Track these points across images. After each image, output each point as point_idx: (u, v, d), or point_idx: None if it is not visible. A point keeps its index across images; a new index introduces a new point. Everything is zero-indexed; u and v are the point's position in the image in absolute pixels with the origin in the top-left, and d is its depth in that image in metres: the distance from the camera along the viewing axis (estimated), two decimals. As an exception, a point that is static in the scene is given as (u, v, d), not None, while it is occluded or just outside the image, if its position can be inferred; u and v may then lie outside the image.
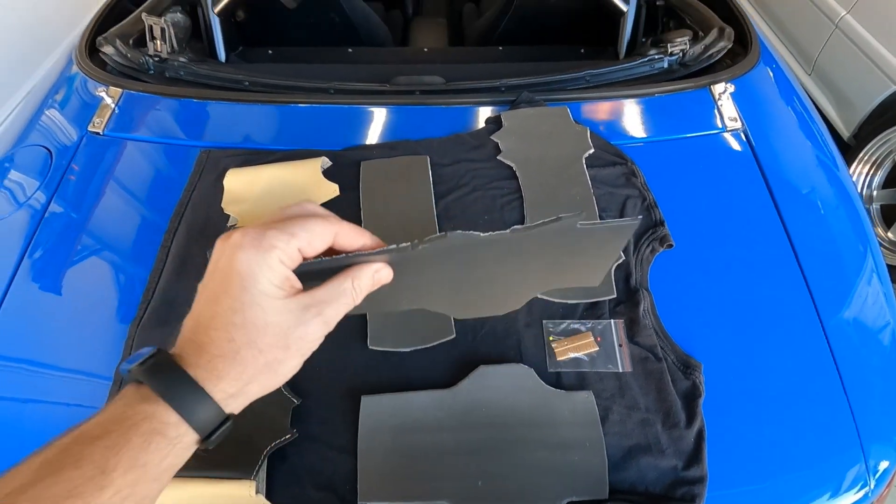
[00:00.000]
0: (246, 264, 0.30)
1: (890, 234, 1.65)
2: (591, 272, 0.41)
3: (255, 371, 0.31)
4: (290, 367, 0.32)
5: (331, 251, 0.34)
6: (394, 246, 0.33)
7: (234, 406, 0.32)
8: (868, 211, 1.71)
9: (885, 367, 0.67)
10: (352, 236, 0.34)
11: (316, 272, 0.33)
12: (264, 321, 0.30)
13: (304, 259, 0.33)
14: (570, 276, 0.41)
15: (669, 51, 0.97)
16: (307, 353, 0.33)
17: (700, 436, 0.56)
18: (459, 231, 0.32)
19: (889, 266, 1.58)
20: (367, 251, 0.34)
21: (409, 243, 0.33)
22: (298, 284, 0.32)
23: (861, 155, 1.70)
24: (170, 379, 0.30)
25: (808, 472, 0.58)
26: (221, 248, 0.31)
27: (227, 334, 0.30)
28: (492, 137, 0.82)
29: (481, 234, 0.32)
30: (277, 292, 0.31)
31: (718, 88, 0.91)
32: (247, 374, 0.31)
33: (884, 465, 0.61)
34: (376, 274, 0.34)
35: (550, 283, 0.42)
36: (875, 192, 1.71)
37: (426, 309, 0.41)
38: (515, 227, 0.33)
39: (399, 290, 0.37)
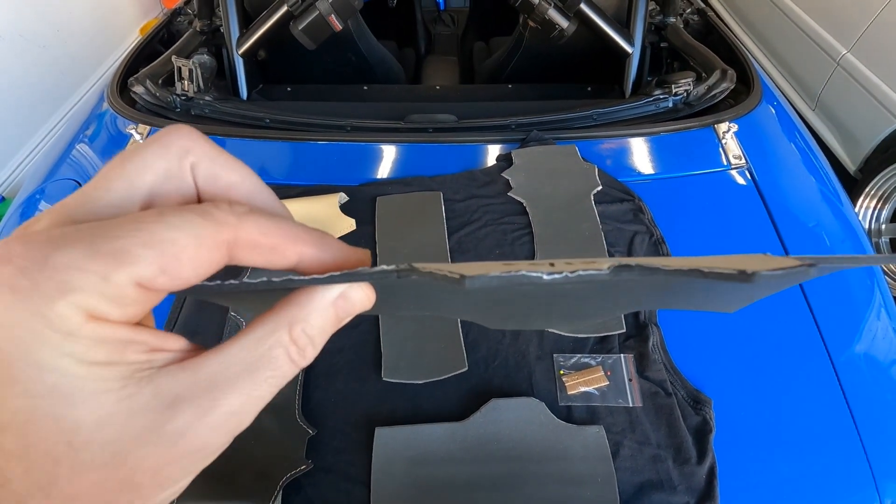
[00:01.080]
0: (7, 334, 0.13)
1: (900, 268, 1.65)
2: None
3: None
4: None
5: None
6: (363, 270, 0.16)
7: None
8: (877, 245, 1.72)
9: (898, 402, 0.67)
10: (269, 249, 0.17)
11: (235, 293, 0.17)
12: (68, 445, 0.14)
13: (172, 291, 0.16)
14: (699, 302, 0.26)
15: (674, 91, 1.00)
16: (180, 485, 0.16)
17: (712, 472, 0.56)
18: (522, 272, 0.16)
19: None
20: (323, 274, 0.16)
21: (394, 267, 0.16)
22: (170, 344, 0.16)
23: (868, 189, 1.72)
24: None
25: (821, 512, 0.58)
26: None
27: None
28: (502, 174, 0.85)
29: (544, 277, 0.16)
30: (97, 380, 0.14)
31: (722, 127, 0.93)
32: None
33: (900, 506, 0.60)
34: (340, 301, 0.17)
35: (662, 303, 0.26)
36: (883, 226, 1.71)
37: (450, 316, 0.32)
38: (623, 264, 0.16)
39: (396, 307, 0.25)
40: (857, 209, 1.73)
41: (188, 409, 0.15)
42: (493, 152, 0.92)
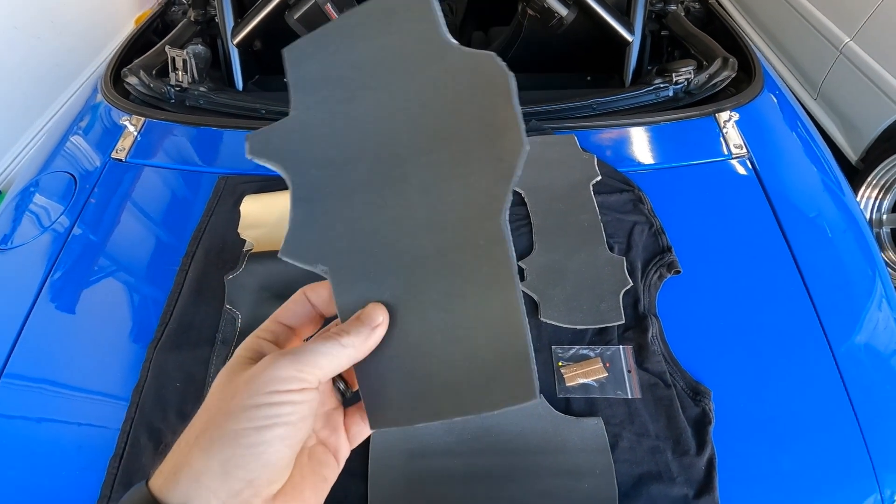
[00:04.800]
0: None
1: (901, 258, 1.65)
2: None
3: (196, 433, 0.25)
4: (244, 420, 0.24)
5: (316, 314, 0.32)
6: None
7: (165, 483, 0.24)
8: (878, 235, 1.71)
9: (898, 392, 0.66)
10: (321, 289, 0.31)
11: None
12: (214, 385, 0.27)
13: (287, 326, 0.31)
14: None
15: (674, 80, 0.99)
16: (267, 400, 0.25)
17: (711, 464, 0.55)
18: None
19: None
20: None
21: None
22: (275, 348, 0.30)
23: (869, 179, 1.70)
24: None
25: (820, 503, 0.58)
26: None
27: (192, 426, 0.26)
28: (501, 164, 0.84)
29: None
30: (245, 361, 0.28)
31: (723, 116, 0.92)
32: (185, 443, 0.25)
33: (900, 496, 0.60)
34: (361, 313, 0.29)
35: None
36: (885, 216, 1.70)
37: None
38: None
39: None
40: (858, 199, 1.72)
41: (274, 354, 0.27)
42: (491, 143, 0.91)
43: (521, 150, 0.27)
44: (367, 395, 0.29)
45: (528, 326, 0.28)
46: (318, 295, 0.31)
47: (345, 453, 0.31)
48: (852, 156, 1.84)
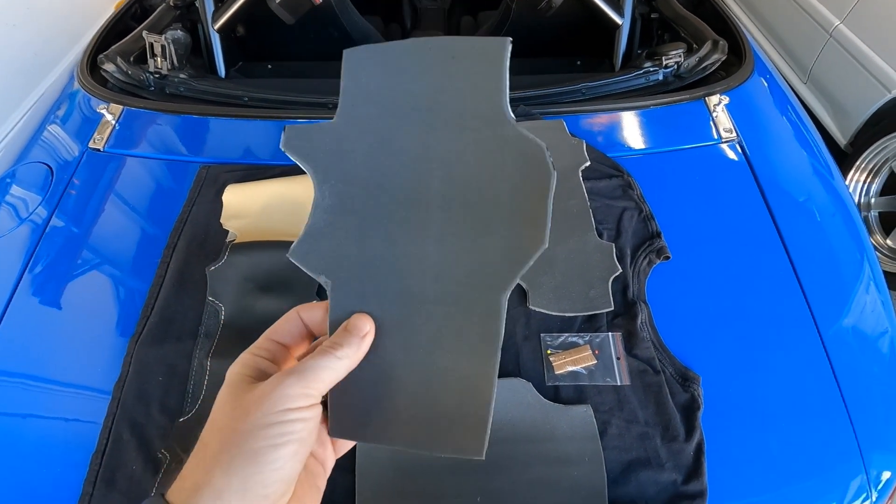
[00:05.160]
0: (226, 378, 0.30)
1: (889, 242, 1.66)
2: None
3: (215, 451, 0.26)
4: (261, 439, 0.26)
5: (308, 333, 0.33)
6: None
7: (187, 499, 0.26)
8: (866, 218, 1.72)
9: (885, 375, 0.67)
10: (313, 308, 0.33)
11: None
12: (226, 403, 0.28)
13: (282, 344, 0.31)
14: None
15: (664, 63, 0.98)
16: (279, 419, 0.26)
17: (699, 449, 0.55)
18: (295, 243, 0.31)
19: (888, 273, 1.59)
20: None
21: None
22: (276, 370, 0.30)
23: (858, 163, 1.71)
24: None
25: (806, 485, 0.58)
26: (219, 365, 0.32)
27: (202, 442, 0.28)
28: (489, 151, 0.82)
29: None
30: (246, 379, 0.29)
31: (713, 100, 0.91)
32: (206, 461, 0.26)
33: (886, 475, 0.61)
34: (348, 324, 0.30)
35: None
36: (873, 200, 1.71)
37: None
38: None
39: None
40: (847, 183, 1.72)
41: (279, 374, 0.28)
42: (479, 129, 0.89)
43: (541, 247, 0.29)
44: (335, 404, 0.31)
45: (495, 393, 0.30)
46: (313, 316, 0.32)
47: (331, 463, 0.33)
48: (841, 139, 1.84)
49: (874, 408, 0.63)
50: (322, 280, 0.31)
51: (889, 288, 0.77)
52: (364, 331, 0.30)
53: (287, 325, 0.32)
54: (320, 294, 0.65)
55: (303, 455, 0.27)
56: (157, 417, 0.57)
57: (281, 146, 0.31)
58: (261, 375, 0.29)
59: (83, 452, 0.57)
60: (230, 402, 0.28)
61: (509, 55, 0.30)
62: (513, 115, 0.30)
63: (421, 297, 0.30)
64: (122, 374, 0.61)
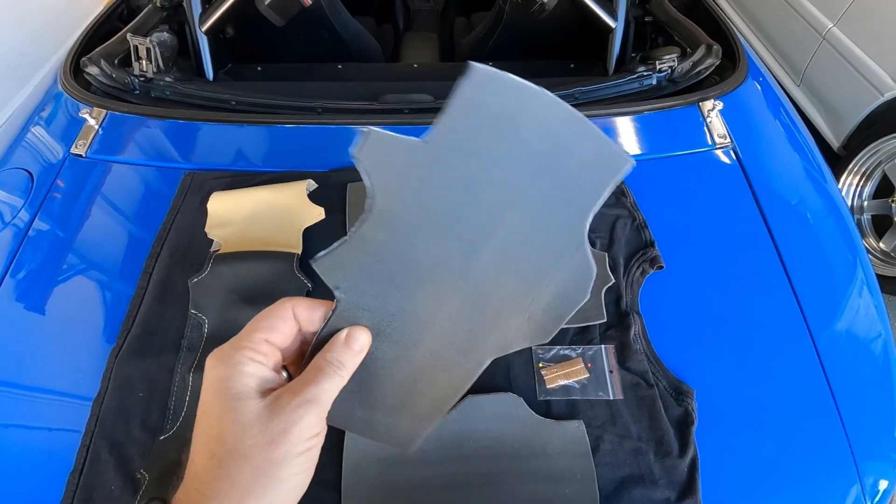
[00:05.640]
0: (216, 379, 0.29)
1: (881, 245, 1.66)
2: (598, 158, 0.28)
3: (246, 481, 0.27)
4: (291, 468, 0.28)
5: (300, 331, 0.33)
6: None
7: None
8: (859, 221, 1.72)
9: (879, 380, 0.66)
10: (307, 307, 0.32)
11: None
12: (241, 424, 0.28)
13: (281, 350, 0.31)
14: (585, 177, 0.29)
15: (658, 67, 0.97)
16: (306, 447, 0.29)
17: (693, 465, 0.54)
18: (320, 253, 0.30)
19: (882, 276, 1.59)
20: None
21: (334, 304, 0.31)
22: (280, 378, 0.31)
23: (851, 166, 1.71)
24: None
25: (800, 499, 0.57)
26: (202, 380, 0.30)
27: (208, 451, 0.28)
28: (480, 157, 0.81)
29: (346, 238, 0.29)
30: (252, 393, 0.29)
31: (707, 105, 0.90)
32: (237, 489, 0.27)
33: (883, 484, 0.60)
34: (349, 338, 0.32)
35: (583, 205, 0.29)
36: (866, 203, 1.71)
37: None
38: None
39: (413, 349, 0.33)
40: (840, 186, 1.72)
41: (288, 397, 0.29)
42: (470, 134, 0.88)
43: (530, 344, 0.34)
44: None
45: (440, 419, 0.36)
46: (310, 315, 0.32)
47: None
48: (834, 142, 1.85)
49: (868, 417, 0.63)
50: (336, 291, 0.31)
51: (883, 291, 0.77)
52: (361, 343, 0.32)
53: (284, 326, 0.31)
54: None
55: (313, 473, 0.30)
56: (137, 435, 0.55)
57: (353, 152, 0.27)
58: (264, 385, 0.29)
59: (61, 470, 0.55)
60: (241, 421, 0.28)
61: (623, 177, 0.28)
62: (587, 230, 0.29)
63: (414, 343, 0.33)
64: (101, 389, 0.59)
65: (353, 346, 0.31)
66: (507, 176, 0.28)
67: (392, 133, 0.27)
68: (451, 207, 0.29)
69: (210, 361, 0.30)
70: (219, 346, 0.31)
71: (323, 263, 0.30)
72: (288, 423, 0.28)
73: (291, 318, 0.31)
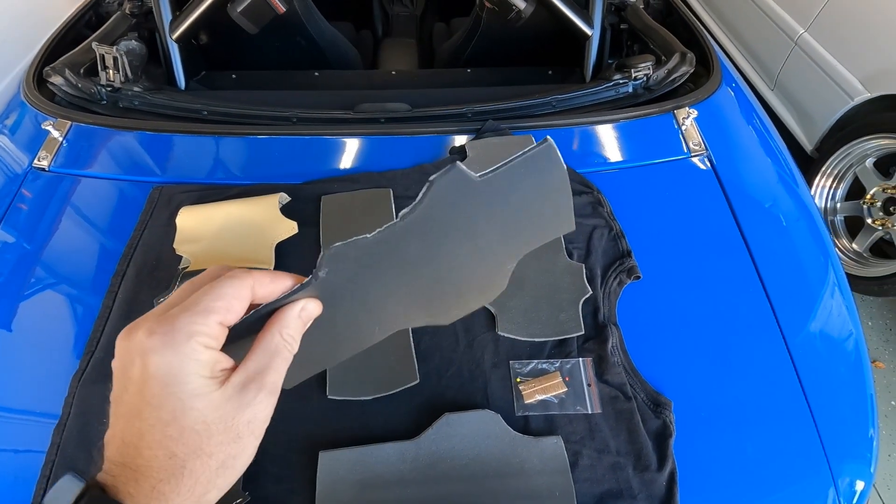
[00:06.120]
0: (164, 369, 0.26)
1: (854, 245, 1.69)
2: (555, 219, 0.36)
3: (209, 477, 0.27)
4: (247, 455, 0.29)
5: (252, 308, 0.31)
6: (300, 285, 0.31)
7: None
8: (832, 223, 1.75)
9: (852, 379, 0.67)
10: (269, 284, 0.30)
11: (238, 331, 0.30)
12: (204, 423, 0.27)
13: (228, 329, 0.29)
14: (532, 231, 0.36)
15: (633, 75, 0.97)
16: (262, 433, 0.29)
17: (672, 478, 0.54)
18: (338, 243, 0.30)
19: (854, 276, 1.62)
20: (287, 293, 0.31)
21: (311, 276, 0.30)
22: (229, 362, 0.29)
23: (824, 168, 1.74)
24: None
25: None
26: (126, 353, 0.27)
27: (166, 451, 0.26)
28: (456, 168, 0.80)
29: (368, 236, 0.30)
30: (209, 385, 0.27)
31: (682, 114, 0.91)
32: (200, 486, 0.27)
33: (859, 485, 0.60)
34: (303, 313, 0.30)
35: (517, 247, 0.36)
36: (839, 205, 1.75)
37: (405, 327, 0.37)
38: (404, 211, 0.30)
39: (357, 322, 0.34)
40: (813, 188, 1.75)
41: (252, 388, 0.28)
42: (448, 144, 0.87)
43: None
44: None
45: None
46: (271, 291, 0.30)
47: None
48: (807, 145, 1.88)
49: (842, 417, 0.64)
50: (323, 272, 0.31)
51: (856, 291, 0.78)
52: (313, 317, 0.31)
53: (239, 305, 0.29)
54: None
55: None
56: (101, 465, 0.53)
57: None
58: (215, 369, 0.28)
59: (28, 488, 0.52)
60: (203, 419, 0.27)
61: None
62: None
63: (367, 329, 0.35)
64: (62, 416, 0.57)
65: (306, 320, 0.31)
66: (473, 226, 0.33)
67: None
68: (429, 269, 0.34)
69: (152, 341, 0.26)
70: (157, 315, 0.28)
71: (335, 251, 0.30)
72: (252, 415, 0.28)
73: (248, 297, 0.30)
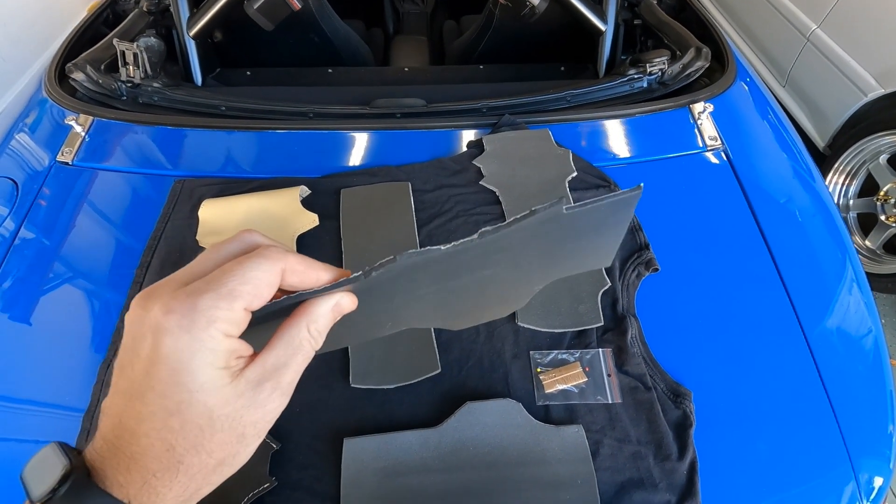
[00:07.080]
0: (177, 354, 0.23)
1: (867, 242, 1.68)
2: (598, 254, 0.36)
3: (206, 474, 0.25)
4: (247, 454, 0.27)
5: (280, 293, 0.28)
6: (344, 280, 0.28)
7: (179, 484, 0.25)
8: (845, 220, 1.74)
9: (872, 376, 0.67)
10: (301, 272, 0.27)
11: (260, 317, 0.27)
12: (209, 418, 0.24)
13: (252, 314, 0.27)
14: (574, 262, 0.37)
15: (648, 70, 0.97)
16: (266, 433, 0.27)
17: (693, 468, 0.54)
18: (412, 250, 0.27)
19: (868, 274, 1.61)
20: (319, 287, 0.28)
21: (361, 272, 0.27)
22: (247, 350, 0.26)
23: (836, 165, 1.73)
24: None
25: (796, 497, 0.58)
26: (140, 327, 0.24)
27: (164, 442, 0.24)
28: (473, 162, 0.81)
29: (442, 248, 0.27)
30: (222, 378, 0.25)
31: (698, 108, 0.91)
32: (195, 483, 0.25)
33: (878, 481, 0.60)
34: (336, 308, 0.28)
35: (553, 273, 0.37)
36: (851, 202, 1.74)
37: (415, 327, 0.37)
38: (485, 229, 0.28)
39: (375, 316, 0.33)
40: (825, 185, 1.74)
41: (267, 387, 0.26)
42: (464, 138, 0.88)
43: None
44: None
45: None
46: (303, 279, 0.27)
47: None
48: (820, 142, 1.87)
49: (862, 413, 0.63)
50: (377, 271, 0.28)
51: (871, 288, 0.78)
52: (346, 312, 0.29)
53: (267, 291, 0.26)
54: None
55: None
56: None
57: None
58: (230, 357, 0.25)
59: None
60: (209, 414, 0.24)
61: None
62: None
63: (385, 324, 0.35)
64: (91, 403, 0.58)
65: (337, 316, 0.28)
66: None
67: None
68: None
69: (168, 320, 0.23)
70: (176, 289, 0.25)
71: (406, 257, 0.28)
72: (261, 416, 0.26)
73: (278, 283, 0.27)
